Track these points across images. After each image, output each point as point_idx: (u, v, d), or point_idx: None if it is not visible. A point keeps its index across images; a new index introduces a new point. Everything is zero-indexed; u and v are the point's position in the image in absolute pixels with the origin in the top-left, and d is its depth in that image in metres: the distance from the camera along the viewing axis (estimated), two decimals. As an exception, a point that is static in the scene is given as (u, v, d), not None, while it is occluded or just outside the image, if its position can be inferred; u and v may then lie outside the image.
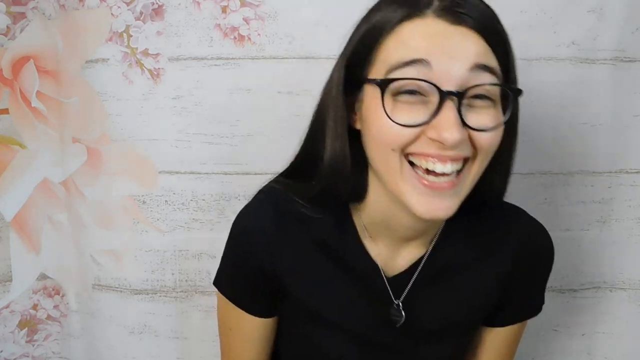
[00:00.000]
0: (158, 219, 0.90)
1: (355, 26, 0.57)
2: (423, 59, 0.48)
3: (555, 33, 0.84)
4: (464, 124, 0.49)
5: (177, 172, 0.89)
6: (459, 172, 0.52)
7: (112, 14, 0.85)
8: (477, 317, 0.67)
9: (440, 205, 0.52)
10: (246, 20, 0.85)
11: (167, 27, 0.85)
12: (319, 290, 0.63)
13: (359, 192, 0.60)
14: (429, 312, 0.64)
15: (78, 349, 0.98)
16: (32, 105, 0.89)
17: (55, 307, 0.97)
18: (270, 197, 0.63)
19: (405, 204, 0.53)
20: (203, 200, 0.89)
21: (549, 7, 0.84)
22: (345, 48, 0.57)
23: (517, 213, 0.66)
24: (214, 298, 0.90)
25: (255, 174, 0.87)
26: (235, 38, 0.85)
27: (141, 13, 0.85)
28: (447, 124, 0.48)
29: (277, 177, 0.66)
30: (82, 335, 0.97)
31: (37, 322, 0.96)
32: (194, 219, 0.89)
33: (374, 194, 0.59)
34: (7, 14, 0.85)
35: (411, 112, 0.50)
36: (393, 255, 0.63)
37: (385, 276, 0.62)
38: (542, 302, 0.69)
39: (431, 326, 0.64)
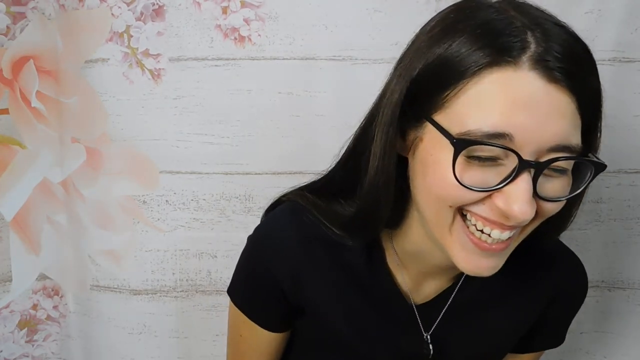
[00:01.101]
0: (158, 219, 0.91)
1: (420, 37, 0.50)
2: (507, 134, 0.42)
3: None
4: (535, 193, 0.44)
5: (177, 172, 0.89)
6: None
7: (112, 14, 0.86)
8: (504, 351, 0.66)
9: (487, 265, 0.49)
10: (246, 21, 0.86)
11: (167, 27, 0.86)
12: (342, 316, 0.60)
13: (395, 220, 0.56)
14: (456, 346, 0.62)
15: (77, 350, 0.98)
16: (32, 106, 0.89)
17: (55, 307, 0.97)
18: (294, 215, 0.59)
19: (450, 257, 0.50)
20: (204, 200, 0.89)
21: (546, 9, 0.86)
22: (409, 65, 0.49)
23: (560, 250, 0.64)
24: (214, 297, 0.91)
25: (256, 174, 0.88)
26: (235, 39, 0.86)
27: (142, 13, 0.86)
28: (520, 198, 0.43)
29: (301, 190, 0.62)
30: (81, 336, 0.98)
31: (36, 322, 0.97)
32: (194, 218, 0.90)
33: (412, 227, 0.55)
34: (7, 14, 0.86)
35: (482, 174, 0.45)
36: (419, 284, 0.60)
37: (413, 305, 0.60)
38: (566, 333, 0.69)
39: None
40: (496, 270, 0.49)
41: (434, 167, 0.46)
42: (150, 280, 0.92)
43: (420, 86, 0.47)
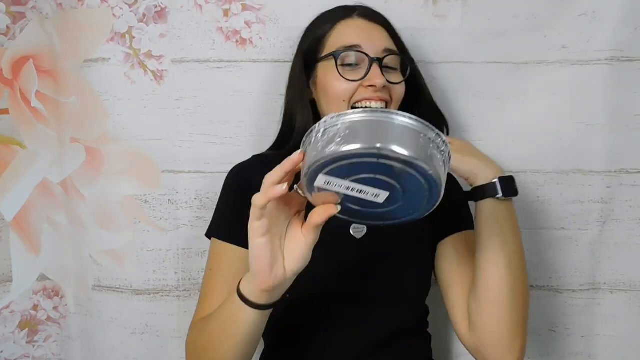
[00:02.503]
0: (161, 218, 0.93)
1: (304, 33, 0.84)
2: (357, 44, 0.79)
3: (545, 37, 0.89)
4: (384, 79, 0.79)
5: (180, 172, 0.92)
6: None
7: (113, 14, 0.88)
8: (424, 240, 0.83)
9: None
10: (247, 23, 0.89)
11: (169, 29, 0.89)
12: None
13: None
14: (381, 233, 0.76)
15: (77, 350, 0.99)
16: (32, 105, 0.92)
17: (55, 308, 0.99)
18: (255, 156, 0.85)
19: None
20: (207, 199, 0.92)
21: (540, 12, 0.88)
22: (300, 46, 0.84)
23: None
24: (217, 296, 0.92)
25: (257, 174, 0.90)
26: (237, 41, 0.89)
27: (144, 15, 0.88)
28: (376, 75, 0.77)
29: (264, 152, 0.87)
30: (82, 337, 0.99)
31: (37, 322, 0.98)
32: (197, 217, 0.93)
33: None
34: (7, 14, 0.89)
35: (352, 74, 0.77)
36: None
37: None
38: (472, 217, 0.84)
39: (387, 246, 0.80)
40: None
41: (328, 80, 0.79)
42: (152, 280, 0.94)
43: (310, 49, 0.82)
